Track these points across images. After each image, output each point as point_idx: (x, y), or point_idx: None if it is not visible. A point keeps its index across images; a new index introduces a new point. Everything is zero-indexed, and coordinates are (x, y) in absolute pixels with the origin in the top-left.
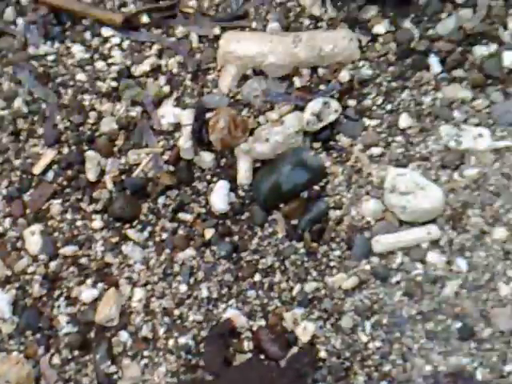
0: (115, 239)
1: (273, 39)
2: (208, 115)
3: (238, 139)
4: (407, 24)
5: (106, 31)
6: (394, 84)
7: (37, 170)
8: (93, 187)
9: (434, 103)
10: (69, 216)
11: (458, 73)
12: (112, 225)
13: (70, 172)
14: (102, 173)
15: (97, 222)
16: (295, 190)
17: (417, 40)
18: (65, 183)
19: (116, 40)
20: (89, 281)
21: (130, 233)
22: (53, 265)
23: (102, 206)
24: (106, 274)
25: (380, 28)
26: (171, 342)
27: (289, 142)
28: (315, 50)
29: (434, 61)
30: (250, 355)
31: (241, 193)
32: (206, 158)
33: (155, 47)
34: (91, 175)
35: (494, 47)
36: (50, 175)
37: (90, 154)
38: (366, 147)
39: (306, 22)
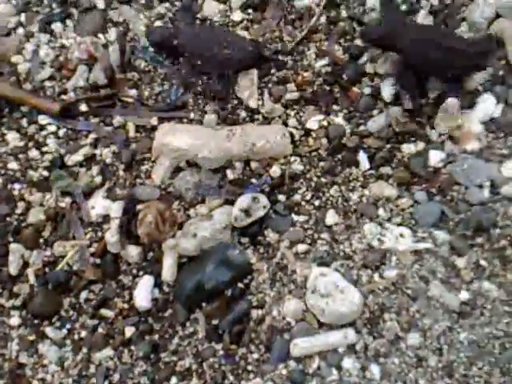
0: (32, 337)
1: (207, 133)
2: (139, 207)
3: (166, 234)
4: (340, 120)
5: (42, 119)
6: (323, 179)
7: None
8: (14, 281)
9: (360, 200)
10: None
11: (386, 170)
12: (30, 322)
13: None
14: (26, 265)
15: (14, 319)
16: (218, 289)
17: (348, 136)
18: None
19: (52, 128)
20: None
21: (48, 330)
22: None
23: (21, 302)
24: (18, 376)
25: (313, 123)
26: None
27: (216, 237)
28: (248, 144)
29: (363, 157)
30: None
31: (166, 288)
32: (133, 251)
33: (91, 136)
34: (13, 269)
35: (421, 145)
36: None
37: (13, 246)
38: (292, 244)
39: (243, 114)
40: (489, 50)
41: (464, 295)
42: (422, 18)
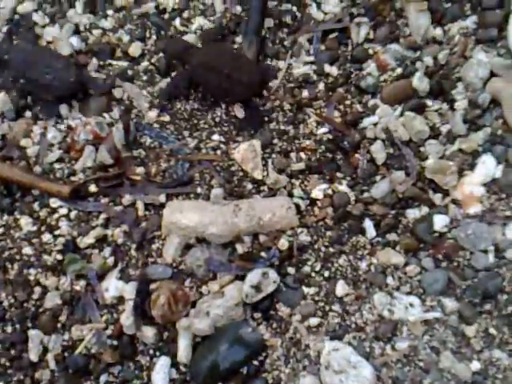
0: None
1: (214, 209)
2: (152, 287)
3: (179, 314)
4: (344, 187)
5: (54, 202)
6: (331, 249)
7: None
8: (35, 367)
9: (369, 269)
10: None
11: (392, 237)
12: None
13: (12, 352)
14: (45, 351)
15: None
16: (233, 368)
17: (353, 204)
18: (7, 364)
19: (63, 211)
20: None
21: None
22: None
23: None
24: None
25: (318, 192)
26: None
27: (229, 314)
28: (254, 219)
29: (368, 225)
30: None
31: (182, 368)
32: (148, 332)
33: (102, 216)
34: (33, 355)
35: (425, 210)
36: None
37: (32, 332)
38: (304, 317)
39: (249, 186)
40: (265, 80)
41: (475, 365)
42: (418, 79)
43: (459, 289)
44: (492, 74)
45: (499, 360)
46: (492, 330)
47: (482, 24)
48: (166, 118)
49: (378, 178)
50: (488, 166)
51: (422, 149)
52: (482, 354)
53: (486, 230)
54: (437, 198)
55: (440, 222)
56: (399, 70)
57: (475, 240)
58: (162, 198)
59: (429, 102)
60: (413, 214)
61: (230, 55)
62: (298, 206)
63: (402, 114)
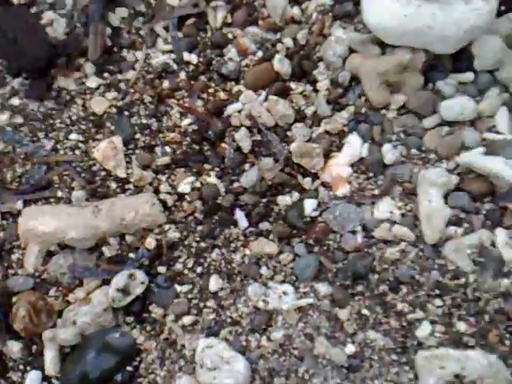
0: None
1: (71, 212)
2: (14, 299)
3: (44, 325)
4: (212, 179)
5: None
6: (203, 244)
7: None
8: None
9: (243, 261)
10: None
11: (265, 226)
12: None
13: None
14: None
15: None
16: (104, 376)
17: (223, 195)
18: None
19: None
20: None
21: None
22: None
23: None
24: None
25: (185, 186)
26: None
27: (97, 321)
28: (116, 219)
29: (240, 215)
30: None
31: (54, 381)
32: (14, 347)
33: None
34: None
35: (296, 196)
36: None
37: None
38: (177, 317)
39: (113, 185)
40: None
41: (350, 348)
42: (278, 62)
43: (331, 272)
44: (351, 51)
45: (374, 341)
46: (365, 311)
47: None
48: (19, 120)
49: (246, 166)
50: (354, 146)
51: (289, 133)
52: (356, 337)
53: (354, 210)
54: (306, 182)
55: (310, 206)
56: (260, 54)
57: (343, 221)
58: (20, 205)
59: (293, 85)
60: (284, 200)
61: (25, 23)
62: (165, 203)
63: (266, 99)
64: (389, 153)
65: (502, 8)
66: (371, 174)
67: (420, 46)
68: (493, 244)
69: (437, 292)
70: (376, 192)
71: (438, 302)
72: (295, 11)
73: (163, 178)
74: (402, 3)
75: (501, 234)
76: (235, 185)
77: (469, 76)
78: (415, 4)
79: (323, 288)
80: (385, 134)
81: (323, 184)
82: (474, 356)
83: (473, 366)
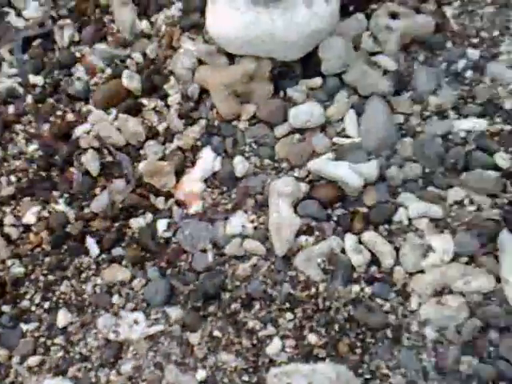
0: None
1: None
2: None
3: None
4: (61, 206)
5: None
6: (51, 277)
7: None
8: None
9: (94, 291)
10: None
11: (117, 251)
12: None
13: None
14: None
15: None
16: None
17: (72, 222)
18: None
19: None
20: None
21: None
22: None
23: None
24: None
25: (30, 216)
26: None
27: None
28: None
29: (91, 242)
30: None
31: None
32: None
33: None
34: None
35: (150, 217)
36: None
37: None
38: (23, 358)
39: None
40: None
41: (201, 374)
42: (127, 78)
43: (182, 295)
44: (201, 63)
45: (226, 363)
46: (217, 333)
47: (186, 10)
48: None
49: (97, 190)
50: (206, 160)
51: (142, 151)
52: (206, 361)
53: (205, 227)
54: (159, 202)
55: (162, 227)
56: (109, 71)
57: (194, 240)
58: None
59: (145, 101)
60: (137, 223)
61: None
62: (8, 236)
63: (116, 118)
64: (239, 165)
65: (351, 8)
66: (225, 189)
67: (264, 54)
68: (343, 250)
69: (288, 305)
70: (229, 206)
71: (290, 315)
72: (144, 25)
73: (8, 209)
74: (241, 11)
75: (349, 240)
76: (85, 211)
77: (317, 81)
78: (255, 11)
79: (174, 312)
80: (237, 145)
81: (177, 202)
82: (322, 369)
83: (320, 380)
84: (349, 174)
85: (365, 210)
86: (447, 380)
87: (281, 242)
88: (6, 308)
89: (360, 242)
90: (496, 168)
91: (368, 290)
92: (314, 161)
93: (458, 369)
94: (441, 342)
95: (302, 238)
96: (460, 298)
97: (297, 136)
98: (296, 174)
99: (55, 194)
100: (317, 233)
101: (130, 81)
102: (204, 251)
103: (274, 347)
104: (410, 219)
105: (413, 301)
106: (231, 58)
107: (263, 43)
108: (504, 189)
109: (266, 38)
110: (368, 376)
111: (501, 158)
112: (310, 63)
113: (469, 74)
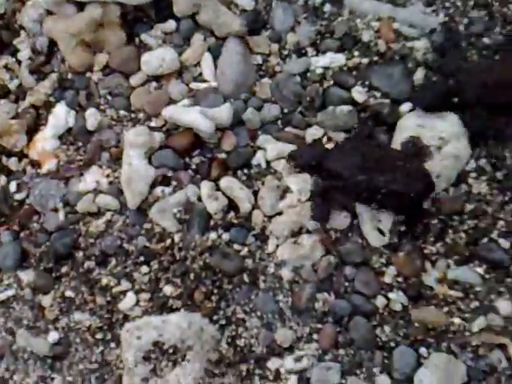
0: None
1: None
2: None
3: None
4: None
5: None
6: None
7: None
8: None
9: None
10: None
11: None
12: None
13: None
14: None
15: None
16: None
17: None
18: None
19: None
20: None
21: None
22: None
23: None
24: None
25: None
26: None
27: None
28: None
29: None
30: None
31: None
32: None
33: None
34: None
35: (3, 180)
36: None
37: None
38: None
39: None
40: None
41: (53, 336)
42: None
43: (34, 258)
44: (50, 14)
45: (79, 323)
46: (70, 293)
47: None
48: None
49: None
50: (59, 116)
51: None
52: (59, 322)
53: (55, 186)
54: (12, 163)
55: (13, 188)
56: None
57: (44, 200)
58: None
59: None
60: None
61: None
62: None
63: None
64: (91, 118)
65: None
66: (80, 144)
67: None
68: (200, 199)
69: (143, 259)
70: (83, 162)
71: (145, 268)
72: None
73: None
74: None
75: (205, 187)
76: None
77: (171, 24)
78: None
79: (26, 276)
80: (92, 98)
81: (31, 162)
82: (173, 320)
83: (171, 330)
84: (199, 118)
85: (223, 155)
86: (302, 319)
87: (133, 194)
88: None
89: (218, 189)
90: (353, 103)
91: (225, 236)
92: (166, 108)
93: (314, 307)
94: (297, 282)
95: (158, 190)
96: (314, 236)
97: (153, 84)
98: (153, 124)
99: None
100: (174, 183)
101: None
102: (55, 210)
103: (127, 302)
104: (268, 162)
105: (270, 243)
106: (80, 6)
107: None
108: (359, 122)
109: None
110: (223, 322)
111: (357, 92)
112: (162, 6)
113: (327, 8)
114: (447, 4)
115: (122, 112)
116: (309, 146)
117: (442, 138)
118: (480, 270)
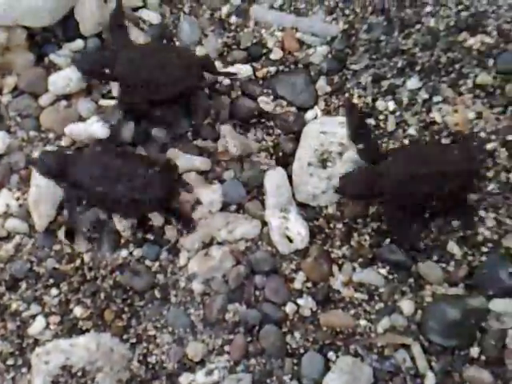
0: None
1: None
2: None
3: None
4: None
5: None
6: None
7: None
8: None
9: None
10: None
11: None
12: None
13: None
14: None
15: None
16: None
17: None
18: None
19: None
20: None
21: None
22: None
23: None
24: None
25: None
26: None
27: None
28: None
29: None
30: None
31: None
32: None
33: None
34: None
35: None
36: None
37: None
38: None
39: None
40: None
41: None
42: None
43: None
44: None
45: None
46: None
47: None
48: None
49: None
50: None
51: None
52: None
53: None
54: None
55: None
56: None
57: None
58: None
59: None
60: None
61: None
62: None
63: None
64: (0, 141)
65: None
66: None
67: (12, 22)
68: (110, 216)
69: (52, 281)
70: None
71: (54, 291)
72: None
73: None
74: None
75: None
76: None
77: (78, 43)
78: None
79: None
80: (2, 121)
81: None
82: (82, 342)
83: (79, 353)
84: (99, 128)
85: None
86: (214, 331)
87: (40, 216)
88: None
89: None
90: (260, 114)
91: (137, 252)
92: (69, 126)
93: (225, 318)
94: (208, 294)
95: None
96: (223, 247)
97: (63, 103)
98: (63, 143)
99: None
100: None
101: None
102: None
103: (37, 326)
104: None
105: (182, 257)
106: None
107: (9, 12)
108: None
109: (12, 6)
110: (134, 340)
111: (264, 102)
112: (69, 25)
113: (233, 19)
114: (347, 11)
115: (31, 133)
116: (54, 152)
117: (343, 144)
118: (384, 272)
